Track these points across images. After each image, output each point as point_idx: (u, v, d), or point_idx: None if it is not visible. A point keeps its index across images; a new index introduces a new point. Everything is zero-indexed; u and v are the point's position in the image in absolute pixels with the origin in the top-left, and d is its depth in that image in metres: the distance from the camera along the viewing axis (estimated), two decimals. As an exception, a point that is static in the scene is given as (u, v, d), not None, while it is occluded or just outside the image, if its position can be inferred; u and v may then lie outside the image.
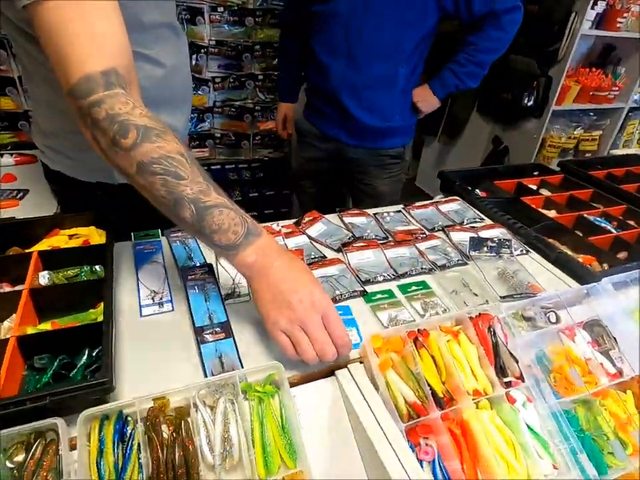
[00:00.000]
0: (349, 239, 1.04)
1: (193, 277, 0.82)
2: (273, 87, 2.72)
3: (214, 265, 0.91)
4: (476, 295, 0.92)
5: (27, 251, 0.83)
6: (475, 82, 1.59)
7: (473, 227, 1.14)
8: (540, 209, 1.26)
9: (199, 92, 2.59)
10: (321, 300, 0.66)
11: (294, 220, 1.10)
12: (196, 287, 0.80)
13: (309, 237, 1.04)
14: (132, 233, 0.98)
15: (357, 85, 1.46)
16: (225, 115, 2.72)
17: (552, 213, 1.26)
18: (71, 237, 0.89)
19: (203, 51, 2.49)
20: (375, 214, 1.17)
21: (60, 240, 0.87)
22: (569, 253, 1.07)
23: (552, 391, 0.75)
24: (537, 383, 0.74)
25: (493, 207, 1.22)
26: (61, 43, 0.61)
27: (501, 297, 0.91)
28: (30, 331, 0.66)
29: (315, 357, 0.64)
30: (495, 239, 1.05)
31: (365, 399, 0.67)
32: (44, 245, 0.85)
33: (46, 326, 0.70)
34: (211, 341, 0.72)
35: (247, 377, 0.67)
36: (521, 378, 0.73)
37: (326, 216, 1.13)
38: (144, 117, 0.63)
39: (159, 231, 1.00)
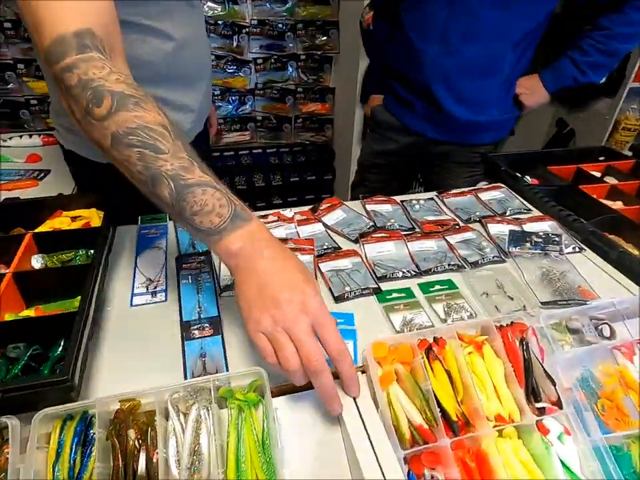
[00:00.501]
0: (369, 228, 0.94)
1: (187, 265, 0.75)
2: (315, 67, 2.62)
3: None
4: (511, 298, 0.78)
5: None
6: (600, 76, 1.30)
7: (517, 219, 0.99)
8: (602, 200, 1.07)
9: (240, 74, 2.54)
10: (313, 303, 0.54)
11: (310, 206, 1.01)
12: (189, 277, 0.74)
13: (325, 225, 0.95)
14: (139, 217, 0.93)
15: (451, 73, 1.23)
16: (267, 97, 2.66)
17: (617, 205, 1.07)
18: (74, 218, 0.86)
19: (244, 31, 2.43)
20: (402, 201, 1.04)
21: (62, 222, 0.84)
22: (634, 252, 0.89)
23: (598, 422, 0.61)
24: (578, 411, 0.61)
25: (543, 196, 1.06)
26: (35, 4, 0.56)
27: (542, 302, 0.76)
28: (7, 317, 0.63)
29: (298, 365, 0.53)
30: (542, 234, 0.90)
31: (360, 416, 0.58)
32: (46, 226, 0.83)
33: (29, 312, 0.67)
34: (196, 338, 0.65)
35: (230, 381, 0.60)
36: (558, 404, 0.60)
37: (348, 203, 1.03)
38: (121, 82, 0.55)
39: (167, 215, 0.95)
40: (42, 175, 1.17)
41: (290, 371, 0.52)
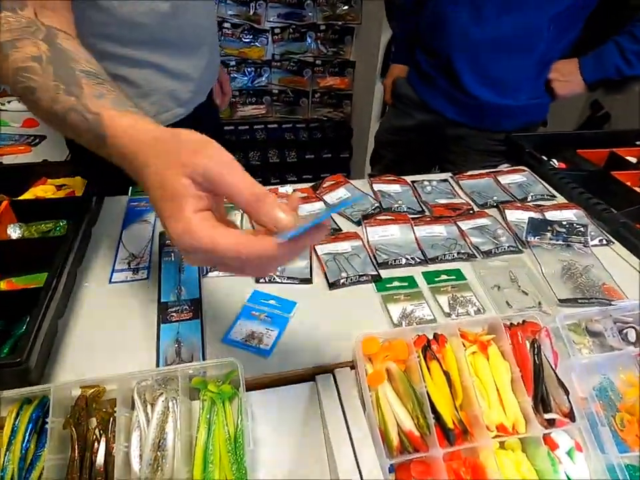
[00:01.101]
0: (374, 209, 0.86)
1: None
2: (335, 39, 2.49)
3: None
4: (526, 293, 0.70)
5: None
6: None
7: (539, 206, 0.90)
8: (637, 188, 0.97)
9: (257, 44, 2.44)
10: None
11: (311, 184, 0.94)
12: (172, 255, 0.69)
13: (326, 204, 0.88)
14: (130, 188, 0.88)
15: (478, 46, 1.10)
16: (284, 69, 2.56)
17: (653, 194, 0.97)
18: (59, 187, 0.81)
19: (262, -2, 2.32)
20: (413, 182, 0.96)
21: (46, 190, 0.79)
22: (671, 248, 0.80)
23: (615, 438, 0.54)
24: (593, 425, 0.54)
25: (570, 182, 0.96)
26: None
27: (560, 300, 0.69)
28: (-26, 289, 0.59)
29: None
30: (565, 223, 0.81)
31: (345, 417, 0.52)
32: (29, 194, 0.78)
33: (1, 285, 0.63)
34: (173, 321, 0.60)
35: (205, 371, 0.55)
36: (570, 416, 0.53)
37: (354, 181, 0.95)
38: (3, 32, 0.49)
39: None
40: (36, 140, 1.12)
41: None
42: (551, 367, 0.56)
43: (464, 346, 0.57)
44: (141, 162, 0.39)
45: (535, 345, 0.57)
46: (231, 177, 0.36)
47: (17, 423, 0.48)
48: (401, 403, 0.53)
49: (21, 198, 0.77)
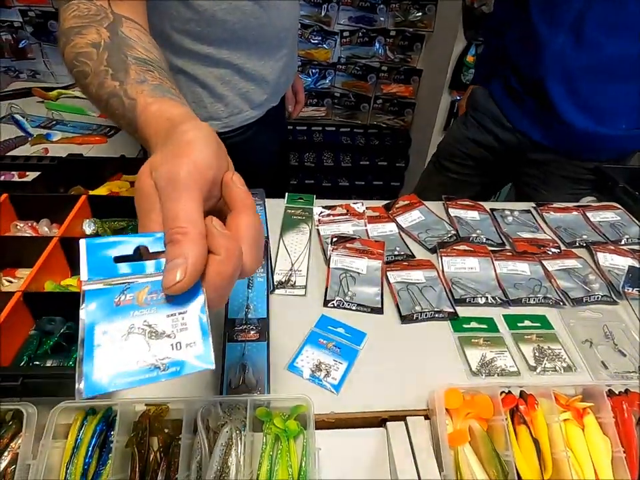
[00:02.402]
0: (450, 237, 0.81)
1: (241, 254, 0.67)
2: (405, 45, 2.43)
3: (277, 243, 0.77)
4: (623, 354, 0.63)
5: (90, 193, 0.77)
6: None
7: (635, 251, 0.81)
8: None
9: (324, 45, 2.41)
10: None
11: (384, 202, 0.89)
12: (241, 268, 0.66)
13: (399, 227, 0.83)
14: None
15: (577, 72, 1.01)
16: (348, 73, 2.52)
17: None
18: (133, 183, 0.81)
19: (335, 0, 2.29)
20: (492, 210, 0.90)
21: (121, 186, 0.79)
22: None
23: None
24: None
25: (671, 227, 0.86)
26: None
27: (665, 366, 0.60)
28: (48, 285, 0.59)
29: None
30: (670, 276, 0.72)
31: (418, 473, 0.47)
32: (104, 188, 0.79)
33: (72, 281, 0.63)
34: (239, 341, 0.58)
35: (270, 402, 0.51)
36: (681, 512, 0.46)
37: (428, 203, 0.89)
38: (72, 18, 0.51)
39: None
40: (112, 132, 1.14)
41: None
42: (660, 450, 0.49)
43: (557, 411, 0.51)
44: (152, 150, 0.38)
45: (643, 423, 0.50)
46: (168, 200, 0.30)
47: (80, 435, 0.47)
48: (482, 469, 0.48)
49: (96, 192, 0.77)
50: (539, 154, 1.15)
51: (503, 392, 0.52)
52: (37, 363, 0.51)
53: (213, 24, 0.73)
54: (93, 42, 0.49)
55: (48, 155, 1.01)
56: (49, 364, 0.51)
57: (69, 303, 0.57)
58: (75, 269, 0.66)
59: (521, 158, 1.19)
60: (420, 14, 2.34)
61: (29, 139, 1.05)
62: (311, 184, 2.65)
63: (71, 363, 0.51)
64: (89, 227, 0.70)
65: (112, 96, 0.46)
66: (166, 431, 0.49)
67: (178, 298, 0.28)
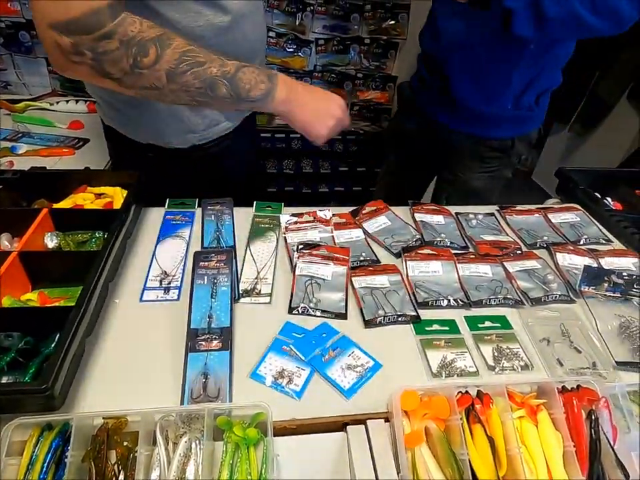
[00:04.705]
0: (415, 242, 0.82)
1: (205, 263, 0.68)
2: (379, 53, 2.46)
3: (243, 252, 0.77)
4: (578, 351, 0.65)
5: (54, 205, 0.77)
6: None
7: (593, 250, 0.84)
8: (703, 238, 0.89)
9: (300, 54, 2.44)
10: (343, 112, 0.81)
11: (351, 208, 0.90)
12: (205, 278, 0.66)
13: (365, 232, 0.84)
14: (167, 200, 0.87)
15: (469, 53, 1.06)
16: (324, 80, 2.54)
17: None
18: (98, 195, 0.80)
19: (309, 9, 2.31)
20: (457, 214, 0.92)
21: (85, 198, 0.79)
22: None
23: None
24: (655, 516, 0.48)
25: (629, 226, 0.89)
26: None
27: (617, 362, 0.63)
28: (5, 301, 0.58)
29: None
30: (624, 273, 0.75)
31: (376, 476, 0.48)
32: (69, 201, 0.78)
33: (32, 296, 0.62)
34: (202, 350, 0.58)
35: (230, 411, 0.52)
36: (629, 502, 0.48)
37: (394, 209, 0.91)
38: (151, 27, 0.60)
39: (197, 201, 0.88)
40: (80, 143, 1.13)
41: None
42: (609, 442, 0.51)
43: (511, 409, 0.52)
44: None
45: (593, 417, 0.51)
46: None
47: (36, 451, 0.46)
48: (438, 468, 0.49)
49: (60, 204, 0.77)
50: (448, 136, 1.21)
51: (460, 392, 0.54)
52: (-7, 379, 0.51)
53: (190, 39, 0.74)
54: (186, 42, 0.63)
55: (13, 167, 0.99)
56: (4, 380, 0.51)
57: (28, 318, 0.57)
58: (35, 283, 0.65)
59: (436, 143, 1.26)
60: (393, 22, 2.38)
61: (-6, 151, 1.04)
62: (290, 191, 2.65)
63: (27, 378, 0.51)
64: (51, 240, 0.70)
65: (242, 67, 0.67)
66: (125, 443, 0.49)
67: None
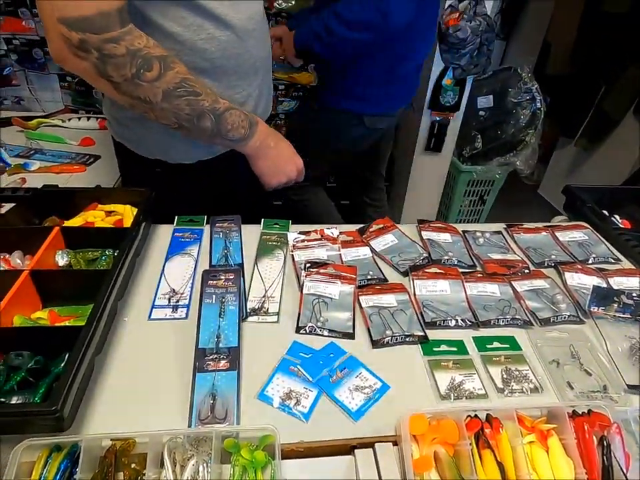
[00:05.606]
0: (422, 260, 0.82)
1: (213, 282, 0.68)
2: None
3: (251, 270, 0.78)
4: (589, 373, 0.64)
5: (65, 223, 0.78)
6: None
7: (602, 270, 0.83)
8: None
9: (307, 69, 2.47)
10: (301, 171, 0.91)
11: (359, 226, 0.91)
12: (213, 297, 0.66)
13: (373, 251, 0.84)
14: (176, 217, 0.88)
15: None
16: (331, 96, 2.57)
17: None
18: (108, 213, 0.82)
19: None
20: (464, 231, 0.92)
21: (96, 215, 0.80)
22: None
23: None
24: None
25: (637, 245, 0.89)
26: None
27: (628, 385, 0.62)
28: (17, 320, 0.59)
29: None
30: (634, 294, 0.74)
31: (385, 503, 0.47)
32: (79, 218, 0.79)
33: (43, 314, 0.63)
34: (210, 370, 0.58)
35: (238, 433, 0.52)
36: (643, 532, 0.47)
37: (401, 226, 0.91)
38: (157, 46, 0.65)
39: (205, 218, 0.88)
40: (91, 160, 1.15)
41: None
42: (622, 470, 0.50)
43: (521, 434, 0.52)
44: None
45: (604, 443, 0.51)
46: None
47: (44, 472, 0.46)
48: (448, 495, 0.48)
49: (71, 221, 0.78)
50: None
51: (469, 416, 0.53)
52: (2, 399, 0.51)
53: (192, 54, 0.75)
54: (187, 71, 0.68)
55: (25, 184, 1.01)
56: (14, 400, 0.51)
57: (38, 337, 0.57)
58: (45, 301, 0.66)
59: None
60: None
61: (7, 168, 1.05)
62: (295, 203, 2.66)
63: (37, 399, 0.51)
64: (61, 258, 0.71)
65: (230, 109, 0.74)
66: (132, 465, 0.49)
67: None
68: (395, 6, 1.08)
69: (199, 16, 0.72)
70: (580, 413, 0.54)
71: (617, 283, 0.80)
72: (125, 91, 0.65)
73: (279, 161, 0.87)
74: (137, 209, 0.80)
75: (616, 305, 0.73)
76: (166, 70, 0.65)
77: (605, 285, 0.78)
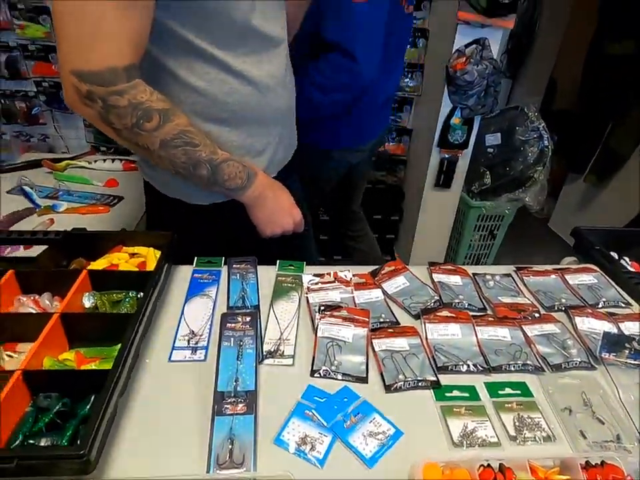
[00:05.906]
0: (434, 303, 0.84)
1: (232, 325, 0.71)
2: (395, 107, 2.57)
3: (267, 311, 0.80)
4: (601, 422, 0.64)
5: (91, 264, 0.82)
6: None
7: (612, 315, 0.84)
8: None
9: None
10: (299, 223, 0.97)
11: (371, 268, 0.93)
12: (232, 340, 0.69)
13: (385, 293, 0.87)
14: (195, 258, 0.92)
15: None
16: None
17: None
18: (132, 255, 0.86)
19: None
20: (474, 274, 0.94)
21: (120, 257, 0.84)
22: None
23: None
24: None
25: (647, 289, 0.90)
26: (92, 31, 0.61)
27: (642, 435, 0.62)
28: (46, 361, 0.62)
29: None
30: (645, 340, 0.75)
31: None
32: (105, 260, 0.83)
33: (70, 355, 0.65)
34: (228, 414, 0.60)
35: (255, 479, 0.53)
36: None
37: (413, 269, 0.94)
38: (160, 100, 0.70)
39: (222, 259, 0.92)
40: (115, 201, 1.21)
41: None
42: (636, 525, 0.50)
43: (534, 485, 0.52)
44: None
45: (618, 497, 0.51)
46: None
47: (70, 515, 0.48)
48: None
49: (97, 263, 0.82)
50: None
51: (482, 465, 0.54)
52: (32, 441, 0.53)
53: (214, 105, 0.81)
54: (189, 123, 0.74)
55: (53, 225, 1.06)
56: (43, 442, 0.53)
57: (67, 380, 0.60)
58: (72, 343, 0.69)
59: None
60: (408, 79, 2.51)
61: (37, 210, 1.11)
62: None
63: (64, 441, 0.53)
64: (88, 300, 0.74)
65: (228, 160, 0.79)
66: (153, 510, 0.50)
67: None
68: (365, 62, 1.11)
69: (222, 71, 0.78)
70: (593, 464, 0.55)
71: (628, 328, 0.81)
72: (125, 137, 0.71)
73: (276, 212, 0.91)
74: (159, 251, 0.84)
75: (627, 352, 0.74)
76: (165, 122, 0.70)
77: (615, 331, 0.79)
